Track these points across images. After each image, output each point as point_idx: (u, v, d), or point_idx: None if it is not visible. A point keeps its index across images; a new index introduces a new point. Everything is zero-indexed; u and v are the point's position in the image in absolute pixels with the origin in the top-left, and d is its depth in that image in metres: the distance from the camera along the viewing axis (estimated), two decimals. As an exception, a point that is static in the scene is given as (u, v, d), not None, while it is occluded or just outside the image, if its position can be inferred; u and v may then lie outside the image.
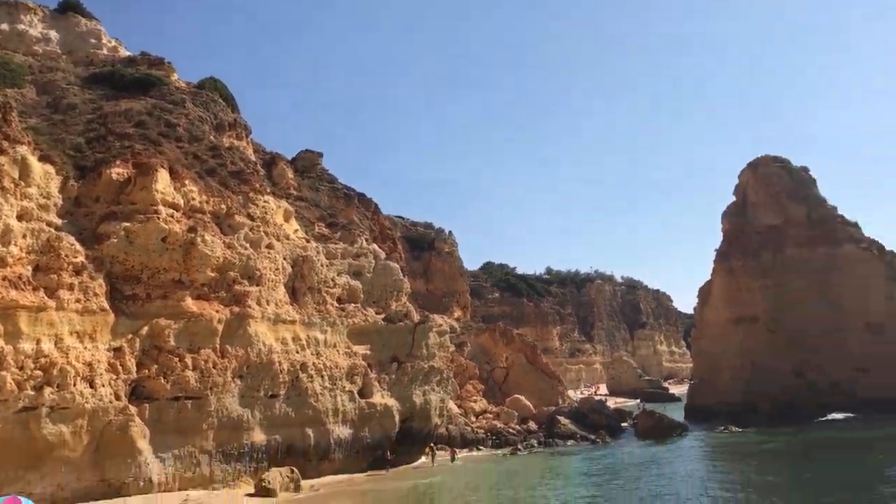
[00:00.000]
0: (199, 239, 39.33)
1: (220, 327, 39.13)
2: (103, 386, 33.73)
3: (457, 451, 56.10)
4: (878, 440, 56.10)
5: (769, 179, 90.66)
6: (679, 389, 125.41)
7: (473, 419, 68.23)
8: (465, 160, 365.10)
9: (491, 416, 70.07)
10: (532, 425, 68.19)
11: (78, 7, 60.73)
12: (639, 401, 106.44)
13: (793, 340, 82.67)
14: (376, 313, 51.38)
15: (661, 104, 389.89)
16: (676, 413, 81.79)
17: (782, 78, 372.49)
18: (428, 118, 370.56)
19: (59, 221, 36.25)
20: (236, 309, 40.37)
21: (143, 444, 34.58)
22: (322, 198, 58.99)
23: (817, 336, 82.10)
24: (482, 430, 64.64)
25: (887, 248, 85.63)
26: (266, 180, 51.87)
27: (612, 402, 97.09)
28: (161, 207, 38.92)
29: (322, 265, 48.59)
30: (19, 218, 33.81)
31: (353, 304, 49.87)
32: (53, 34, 57.18)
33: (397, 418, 48.99)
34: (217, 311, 39.34)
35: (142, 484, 34.10)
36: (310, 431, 43.44)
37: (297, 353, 43.70)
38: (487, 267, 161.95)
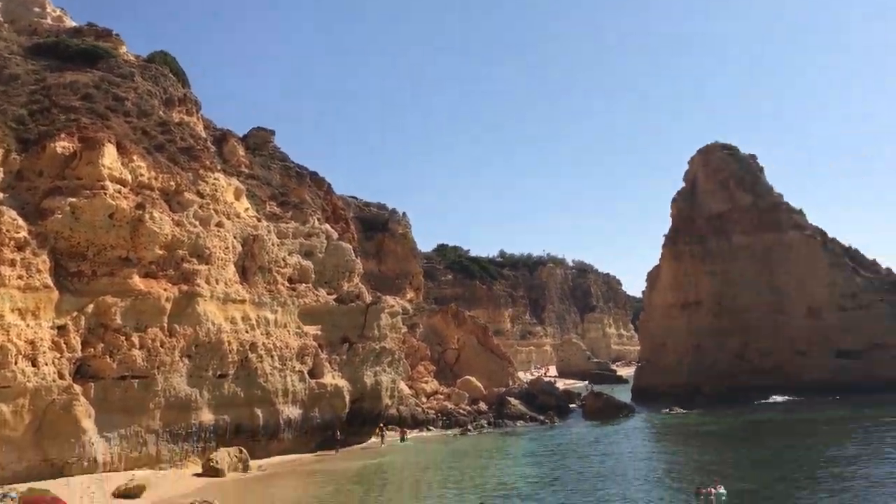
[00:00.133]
0: (147, 216, 38.62)
1: (169, 306, 38.56)
2: (46, 364, 33.06)
3: (406, 431, 56.36)
4: (817, 422, 57.91)
5: (718, 166, 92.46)
6: (626, 371, 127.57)
7: (424, 400, 68.58)
8: (419, 143, 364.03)
9: (442, 397, 70.48)
10: (482, 406, 68.80)
11: (20, -26, 58.73)
12: (587, 382, 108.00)
13: (736, 324, 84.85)
14: (328, 294, 51.18)
15: (616, 90, 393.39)
16: (623, 394, 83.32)
17: (735, 63, 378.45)
18: (384, 101, 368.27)
19: (-1, 195, 35.26)
20: (185, 287, 39.82)
21: (88, 424, 34.03)
22: (274, 176, 58.38)
23: (760, 320, 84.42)
24: (433, 411, 65.02)
25: (830, 235, 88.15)
26: (216, 157, 51.14)
27: (562, 384, 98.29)
28: (108, 183, 38.06)
29: (273, 244, 48.15)
30: (-42, 191, 32.82)
31: (304, 285, 49.60)
32: (-6, 2, 55.29)
33: (348, 399, 49.01)
34: (165, 290, 38.75)
35: (86, 464, 33.63)
36: (259, 411, 43.25)
37: (247, 332, 43.34)
38: (441, 249, 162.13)
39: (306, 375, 46.77)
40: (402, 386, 62.49)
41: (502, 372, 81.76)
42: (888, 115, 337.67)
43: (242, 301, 43.79)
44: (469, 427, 61.30)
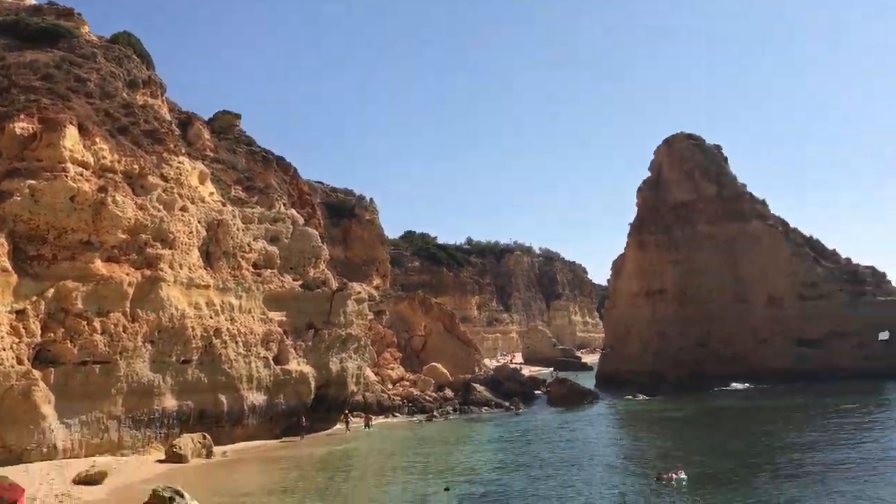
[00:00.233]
0: (109, 199, 38.05)
1: (131, 291, 38.06)
2: (4, 350, 32.49)
3: (372, 417, 56.38)
4: (777, 410, 58.97)
5: (683, 156, 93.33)
6: (591, 358, 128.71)
7: (390, 387, 68.65)
8: (387, 129, 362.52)
9: (408, 383, 70.58)
10: (448, 393, 69.03)
11: (-22, -50, 57.17)
12: (552, 369, 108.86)
13: (700, 313, 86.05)
14: (293, 280, 50.91)
15: (585, 80, 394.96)
16: (588, 381, 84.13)
17: (701, 55, 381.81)
18: (351, 86, 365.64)
19: (-44, 177, 34.50)
20: (148, 272, 39.33)
21: (48, 410, 33.55)
22: (239, 160, 57.75)
23: (723, 309, 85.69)
24: (399, 398, 65.10)
25: (792, 225, 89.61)
26: (181, 141, 50.44)
27: (527, 371, 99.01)
28: (69, 165, 37.43)
29: (238, 229, 47.74)
30: (-87, 172, 32.02)
31: (269, 270, 49.27)
32: (-49, -22, 53.80)
33: (313, 385, 48.88)
34: (128, 274, 38.22)
35: (45, 450, 33.18)
36: (223, 397, 42.99)
37: (211, 318, 42.98)
38: (408, 236, 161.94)
39: (271, 361, 46.54)
40: (368, 372, 62.49)
41: (468, 359, 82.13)
42: (848, 106, 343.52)
43: (207, 286, 43.39)
44: (435, 413, 61.49)
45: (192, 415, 41.12)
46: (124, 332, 37.41)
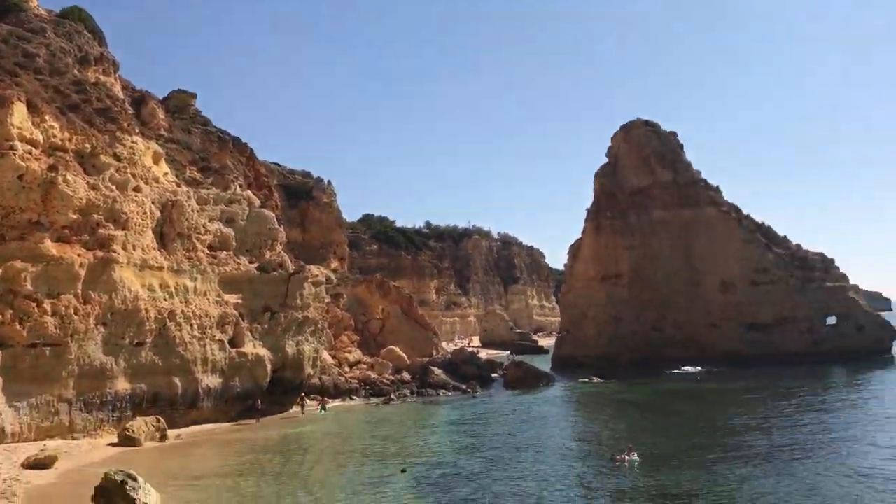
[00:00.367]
0: (60, 178, 37.23)
1: (83, 272, 37.30)
2: (-50, 331, 31.70)
3: (328, 400, 56.24)
4: (726, 392, 60.21)
5: (639, 142, 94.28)
6: (548, 342, 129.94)
7: (347, 370, 68.55)
8: (347, 110, 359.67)
9: (365, 366, 70.55)
10: (406, 376, 69.16)
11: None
12: (509, 352, 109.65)
13: (654, 297, 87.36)
14: (249, 262, 50.44)
15: (544, 65, 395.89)
16: (544, 364, 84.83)
17: (659, 42, 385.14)
18: (310, 68, 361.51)
19: None
20: (100, 253, 38.60)
21: (-4, 393, 32.84)
22: (194, 140, 56.95)
23: (676, 293, 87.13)
24: (356, 381, 65.05)
25: (745, 212, 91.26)
26: (135, 119, 49.56)
27: (485, 354, 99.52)
28: (17, 143, 36.52)
29: (193, 210, 47.07)
30: None
31: (225, 252, 48.73)
32: None
33: (269, 368, 48.60)
34: (79, 255, 37.47)
35: (-7, 434, 32.51)
36: (177, 380, 42.54)
37: (165, 300, 42.42)
38: (366, 219, 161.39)
39: (226, 344, 46.16)
40: (325, 356, 62.31)
41: (426, 342, 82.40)
42: (802, 96, 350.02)
43: (161, 268, 42.76)
44: (392, 396, 61.60)
45: (145, 398, 40.65)
46: (76, 314, 36.70)
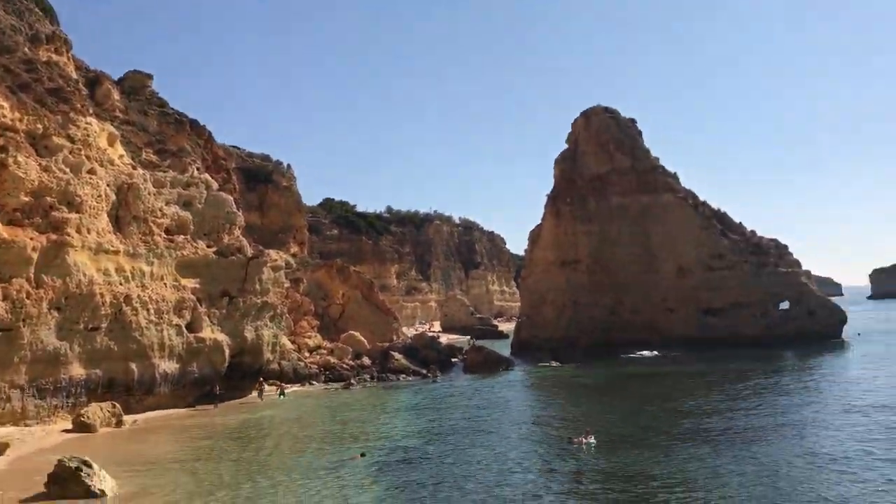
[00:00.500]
0: (10, 160, 36.41)
1: (35, 256, 36.52)
2: None
3: (286, 386, 56.00)
4: (681, 376, 61.32)
5: (599, 129, 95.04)
6: (508, 327, 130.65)
7: (307, 355, 68.25)
8: (307, 93, 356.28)
9: (325, 351, 70.32)
10: (366, 361, 69.11)
11: None
12: (470, 337, 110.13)
13: (612, 282, 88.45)
14: (207, 246, 49.87)
15: (506, 51, 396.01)
16: (504, 349, 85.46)
17: (621, 30, 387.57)
18: (269, 49, 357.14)
19: None
20: (53, 237, 37.84)
21: (-55, 379, 32.13)
22: (151, 122, 56.05)
23: (633, 278, 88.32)
24: (315, 366, 64.81)
25: (701, 198, 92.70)
26: (89, 100, 48.53)
27: (445, 339, 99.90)
28: (-35, 123, 35.56)
29: (149, 193, 46.33)
30: None
31: (182, 236, 48.10)
32: None
33: (227, 353, 48.25)
34: (31, 239, 36.65)
35: (-58, 421, 31.83)
36: (133, 366, 42.04)
37: (121, 284, 41.79)
38: (327, 203, 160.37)
39: (184, 329, 45.71)
40: (285, 341, 61.98)
41: (387, 327, 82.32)
42: (760, 84, 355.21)
43: (116, 252, 42.08)
44: (352, 381, 61.50)
45: (100, 383, 40.13)
46: (28, 298, 35.96)
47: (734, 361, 66.58)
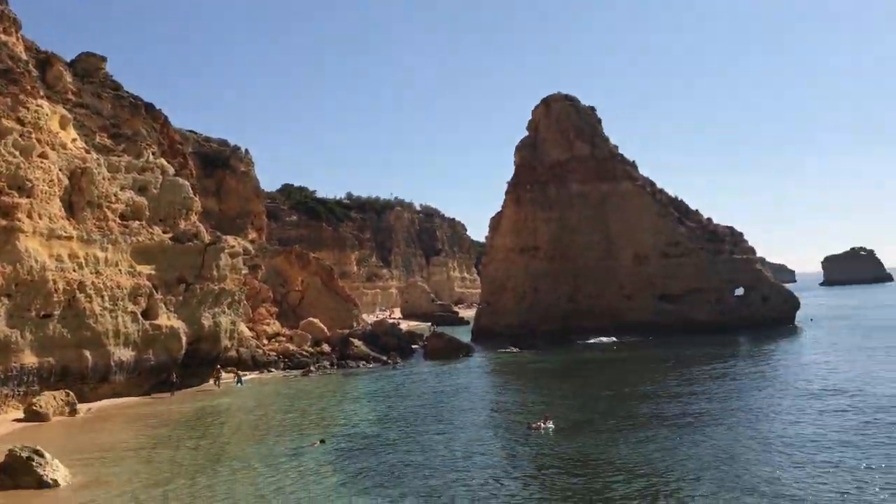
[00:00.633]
0: (-43, 143, 35.34)
1: (-16, 241, 35.71)
2: None
3: (244, 373, 55.52)
4: (637, 361, 62.17)
5: (559, 116, 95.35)
6: (468, 313, 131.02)
7: (266, 342, 67.73)
8: (267, 77, 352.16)
9: (284, 338, 69.85)
10: (325, 347, 68.81)
11: None
12: (430, 324, 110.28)
13: (570, 268, 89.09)
14: (163, 232, 49.14)
15: (467, 36, 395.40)
16: (465, 335, 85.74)
17: (585, 16, 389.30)
18: (226, 32, 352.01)
19: None
20: (3, 222, 37.00)
21: None
22: (105, 106, 54.89)
23: (591, 265, 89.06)
24: (274, 353, 64.38)
25: (659, 186, 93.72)
26: (39, 82, 47.32)
27: (406, 325, 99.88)
28: None
29: (103, 178, 45.43)
30: None
31: (137, 222, 47.31)
32: None
33: (184, 341, 47.67)
34: (-21, 224, 35.80)
35: None
36: (87, 353, 41.35)
37: (74, 271, 41.00)
38: (286, 189, 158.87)
39: (139, 316, 45.04)
40: (243, 328, 61.44)
41: (347, 314, 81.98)
42: (717, 70, 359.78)
43: (69, 238, 41.25)
44: (311, 368, 61.21)
45: (53, 372, 39.40)
46: (-24, 285, 35.13)
47: (690, 347, 67.61)
